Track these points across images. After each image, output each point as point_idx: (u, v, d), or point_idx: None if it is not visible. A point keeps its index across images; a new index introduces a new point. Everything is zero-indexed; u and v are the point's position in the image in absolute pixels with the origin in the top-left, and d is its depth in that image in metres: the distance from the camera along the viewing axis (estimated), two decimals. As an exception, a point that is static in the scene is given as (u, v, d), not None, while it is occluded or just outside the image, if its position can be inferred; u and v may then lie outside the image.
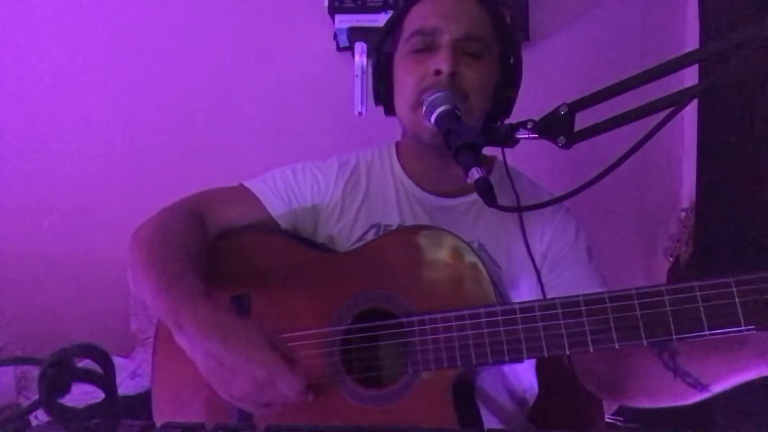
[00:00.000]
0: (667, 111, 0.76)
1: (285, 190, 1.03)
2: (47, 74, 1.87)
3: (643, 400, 0.88)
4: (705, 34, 1.60)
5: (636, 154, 0.75)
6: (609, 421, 1.65)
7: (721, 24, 1.52)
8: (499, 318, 0.79)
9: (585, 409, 1.11)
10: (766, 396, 1.28)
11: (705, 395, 0.79)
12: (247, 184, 1.05)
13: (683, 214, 1.81)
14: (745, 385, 0.76)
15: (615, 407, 1.68)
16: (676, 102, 0.78)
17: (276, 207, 1.02)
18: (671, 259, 1.82)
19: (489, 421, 0.92)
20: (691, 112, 1.68)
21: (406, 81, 0.96)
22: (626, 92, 0.84)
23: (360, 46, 1.64)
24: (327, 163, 1.08)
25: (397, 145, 1.10)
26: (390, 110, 1.04)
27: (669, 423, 1.50)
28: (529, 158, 1.14)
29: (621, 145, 0.76)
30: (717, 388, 0.78)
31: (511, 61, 1.00)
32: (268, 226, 1.01)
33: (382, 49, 1.02)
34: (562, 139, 0.86)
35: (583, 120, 0.86)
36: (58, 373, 0.47)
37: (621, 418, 1.67)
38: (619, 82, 0.84)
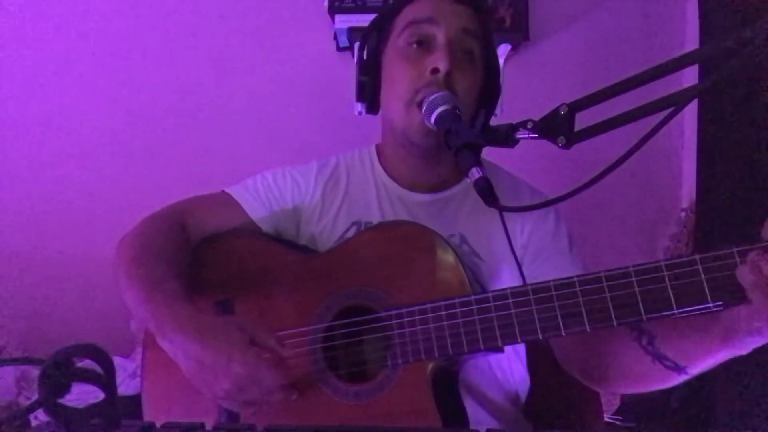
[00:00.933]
0: (667, 111, 0.76)
1: (265, 194, 1.04)
2: (47, 74, 1.87)
3: (625, 384, 0.90)
4: (705, 34, 1.60)
5: (636, 154, 0.75)
6: (608, 420, 1.65)
7: (721, 24, 1.52)
8: (474, 307, 0.81)
9: (583, 407, 1.11)
10: (764, 395, 1.28)
11: (684, 377, 0.80)
12: (228, 190, 1.06)
13: (683, 214, 1.82)
14: (743, 384, 0.76)
15: (615, 407, 1.68)
16: (676, 102, 0.78)
17: (257, 211, 1.03)
18: (671, 259, 1.82)
19: (481, 417, 0.93)
20: (691, 112, 1.68)
21: (400, 78, 0.95)
22: (626, 92, 0.84)
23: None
24: (306, 166, 1.09)
25: (377, 147, 1.10)
26: (373, 108, 1.04)
27: (668, 422, 1.50)
28: (529, 158, 1.14)
29: (621, 145, 0.76)
30: (694, 370, 0.79)
31: (490, 75, 1.01)
32: (250, 230, 1.02)
33: (368, 45, 1.01)
34: (562, 139, 0.86)
35: (583, 120, 0.86)
36: (58, 373, 0.47)
37: (620, 418, 1.67)
38: (619, 82, 0.84)
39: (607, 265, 0.78)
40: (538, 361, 1.06)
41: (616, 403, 1.68)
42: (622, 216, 1.89)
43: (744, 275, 0.68)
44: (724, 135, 1.53)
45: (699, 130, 1.66)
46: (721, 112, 1.54)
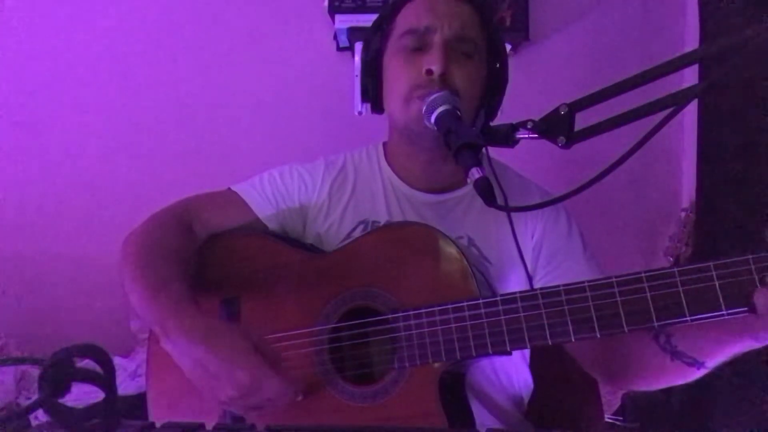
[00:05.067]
0: (667, 111, 0.76)
1: (272, 192, 1.04)
2: (47, 74, 1.87)
3: (647, 382, 0.90)
4: (705, 34, 1.60)
5: (636, 154, 0.75)
6: (609, 420, 1.65)
7: (721, 24, 1.52)
8: (482, 310, 0.80)
9: (584, 407, 1.11)
10: (765, 395, 1.28)
11: (703, 372, 0.81)
12: (234, 188, 1.05)
13: (683, 214, 1.82)
14: (742, 382, 0.76)
15: (616, 407, 1.68)
16: (676, 102, 0.78)
17: (263, 209, 1.03)
18: (671, 259, 1.82)
19: (485, 418, 0.93)
20: (691, 112, 1.68)
21: (398, 79, 0.96)
22: (626, 92, 0.84)
23: (360, 46, 1.64)
24: (314, 164, 1.09)
25: (384, 145, 1.10)
26: (377, 107, 1.04)
27: (668, 422, 1.50)
28: (529, 158, 1.14)
29: (621, 145, 0.76)
30: (712, 363, 0.79)
31: (498, 65, 1.00)
32: (256, 229, 1.02)
33: (370, 47, 1.02)
34: (562, 139, 0.86)
35: (583, 120, 0.86)
36: (58, 373, 0.47)
37: (620, 418, 1.67)
38: (619, 82, 0.84)
39: (607, 266, 0.77)
40: (539, 361, 1.05)
41: (617, 403, 1.68)
42: (622, 216, 1.89)
43: (759, 299, 0.68)
44: (724, 135, 1.53)
45: (699, 130, 1.65)
46: (721, 112, 1.54)
